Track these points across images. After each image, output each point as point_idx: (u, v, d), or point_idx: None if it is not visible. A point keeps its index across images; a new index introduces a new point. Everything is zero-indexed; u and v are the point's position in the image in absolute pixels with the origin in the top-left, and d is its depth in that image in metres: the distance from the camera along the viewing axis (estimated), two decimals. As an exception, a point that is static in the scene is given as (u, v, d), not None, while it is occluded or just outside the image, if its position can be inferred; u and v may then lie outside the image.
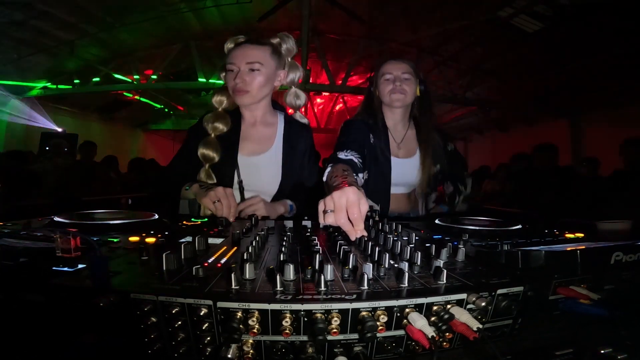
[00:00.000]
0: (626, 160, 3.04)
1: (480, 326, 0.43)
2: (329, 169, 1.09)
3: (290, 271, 0.49)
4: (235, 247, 0.70)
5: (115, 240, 0.72)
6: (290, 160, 1.32)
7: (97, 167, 4.60)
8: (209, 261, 0.59)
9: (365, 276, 0.47)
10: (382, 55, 6.00)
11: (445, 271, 0.50)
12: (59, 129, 7.09)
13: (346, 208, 0.70)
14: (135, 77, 6.70)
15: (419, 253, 0.58)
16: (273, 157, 1.31)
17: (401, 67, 1.40)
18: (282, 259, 0.57)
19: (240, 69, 1.20)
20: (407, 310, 0.44)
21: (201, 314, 0.42)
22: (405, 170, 1.44)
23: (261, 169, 1.30)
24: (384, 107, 1.48)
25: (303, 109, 1.48)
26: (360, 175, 1.28)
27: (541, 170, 3.48)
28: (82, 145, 4.77)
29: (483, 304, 0.45)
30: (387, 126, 1.46)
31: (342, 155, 1.23)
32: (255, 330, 0.41)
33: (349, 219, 0.71)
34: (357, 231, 0.68)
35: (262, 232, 0.75)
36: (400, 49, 6.23)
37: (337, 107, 9.65)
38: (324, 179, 1.08)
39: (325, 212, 0.67)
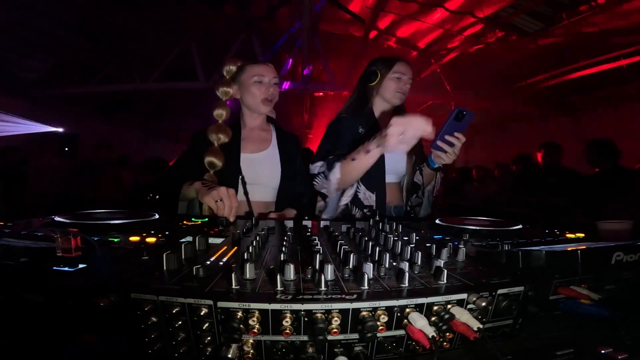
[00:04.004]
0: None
1: (481, 326, 0.43)
2: (339, 165, 1.30)
3: (290, 271, 0.49)
4: (236, 247, 0.70)
5: (115, 240, 0.72)
6: (286, 158, 1.51)
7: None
8: (210, 261, 0.59)
9: (366, 276, 0.47)
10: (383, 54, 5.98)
11: (445, 271, 0.50)
12: (60, 129, 7.09)
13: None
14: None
15: (420, 253, 0.58)
16: (272, 154, 1.50)
17: (409, 70, 1.53)
18: (282, 258, 0.57)
19: (270, 82, 1.43)
20: (407, 310, 0.44)
21: (201, 313, 0.42)
22: (396, 157, 1.51)
23: (262, 164, 1.46)
24: (376, 99, 1.56)
25: None
26: None
27: (544, 169, 3.48)
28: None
29: (483, 304, 0.45)
30: (376, 117, 1.56)
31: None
32: (255, 330, 0.41)
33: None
34: None
35: (263, 232, 0.75)
36: (400, 48, 6.23)
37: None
38: (323, 177, 1.30)
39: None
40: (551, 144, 3.56)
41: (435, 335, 0.41)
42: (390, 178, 1.51)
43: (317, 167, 1.39)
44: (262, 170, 1.44)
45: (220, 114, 1.48)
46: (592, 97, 6.18)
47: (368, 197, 1.45)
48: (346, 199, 1.45)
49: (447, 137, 1.21)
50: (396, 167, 1.53)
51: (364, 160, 1.22)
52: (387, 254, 0.56)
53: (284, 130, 1.62)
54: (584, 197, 2.92)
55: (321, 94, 7.46)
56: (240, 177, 1.39)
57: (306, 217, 0.97)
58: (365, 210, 1.43)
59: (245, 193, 1.37)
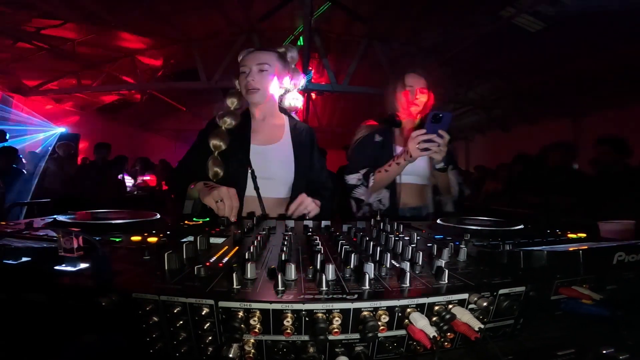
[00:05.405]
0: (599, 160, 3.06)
1: (482, 326, 0.43)
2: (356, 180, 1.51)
3: (291, 271, 0.49)
4: (237, 247, 0.70)
5: (117, 239, 0.72)
6: (301, 151, 1.42)
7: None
8: (211, 261, 0.59)
9: (367, 276, 0.47)
10: (386, 57, 5.98)
11: (446, 271, 0.50)
12: (62, 129, 7.11)
13: None
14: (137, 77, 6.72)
15: (421, 253, 0.58)
16: (284, 146, 1.42)
17: (420, 80, 1.51)
18: (283, 258, 0.57)
19: (251, 70, 1.33)
20: (408, 310, 0.44)
21: (203, 313, 0.42)
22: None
23: (274, 156, 1.38)
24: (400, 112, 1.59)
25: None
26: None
27: (553, 169, 3.46)
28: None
29: (485, 304, 0.45)
30: (401, 121, 1.59)
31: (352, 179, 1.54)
32: (256, 330, 0.41)
33: None
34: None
35: (264, 232, 0.75)
36: (401, 48, 6.22)
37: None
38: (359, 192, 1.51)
39: None
40: (566, 145, 3.54)
41: (436, 335, 0.41)
42: (410, 179, 1.55)
43: (353, 178, 1.54)
44: (273, 163, 1.36)
45: (232, 101, 1.42)
46: (593, 97, 6.16)
47: (383, 195, 1.53)
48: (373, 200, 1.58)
49: (428, 137, 1.31)
50: (414, 168, 1.52)
51: (394, 170, 1.43)
52: (388, 254, 0.56)
53: (298, 120, 1.55)
54: (592, 197, 2.90)
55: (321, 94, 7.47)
56: (250, 170, 1.31)
57: (307, 217, 0.97)
58: (381, 206, 1.53)
59: (256, 188, 1.30)
